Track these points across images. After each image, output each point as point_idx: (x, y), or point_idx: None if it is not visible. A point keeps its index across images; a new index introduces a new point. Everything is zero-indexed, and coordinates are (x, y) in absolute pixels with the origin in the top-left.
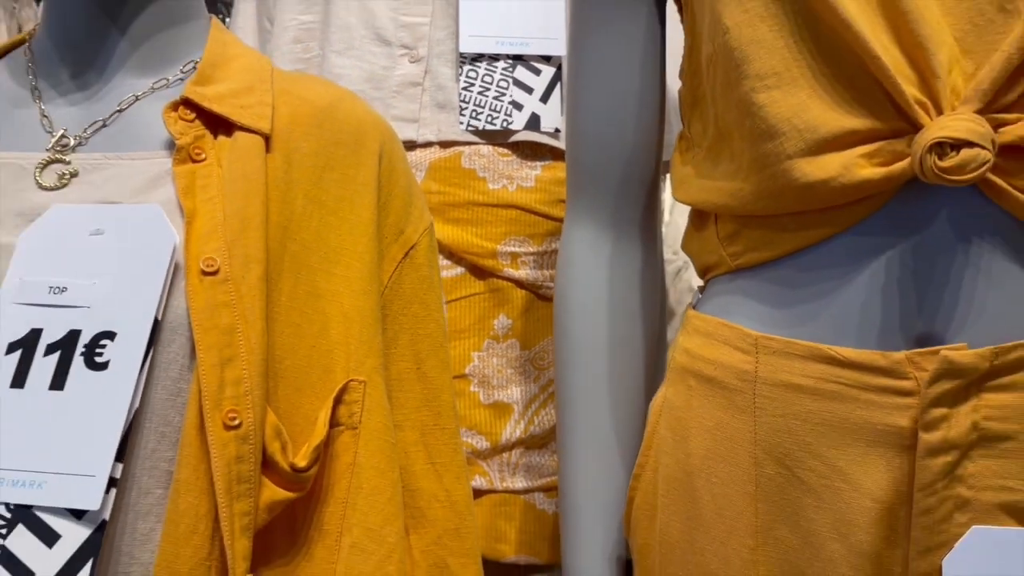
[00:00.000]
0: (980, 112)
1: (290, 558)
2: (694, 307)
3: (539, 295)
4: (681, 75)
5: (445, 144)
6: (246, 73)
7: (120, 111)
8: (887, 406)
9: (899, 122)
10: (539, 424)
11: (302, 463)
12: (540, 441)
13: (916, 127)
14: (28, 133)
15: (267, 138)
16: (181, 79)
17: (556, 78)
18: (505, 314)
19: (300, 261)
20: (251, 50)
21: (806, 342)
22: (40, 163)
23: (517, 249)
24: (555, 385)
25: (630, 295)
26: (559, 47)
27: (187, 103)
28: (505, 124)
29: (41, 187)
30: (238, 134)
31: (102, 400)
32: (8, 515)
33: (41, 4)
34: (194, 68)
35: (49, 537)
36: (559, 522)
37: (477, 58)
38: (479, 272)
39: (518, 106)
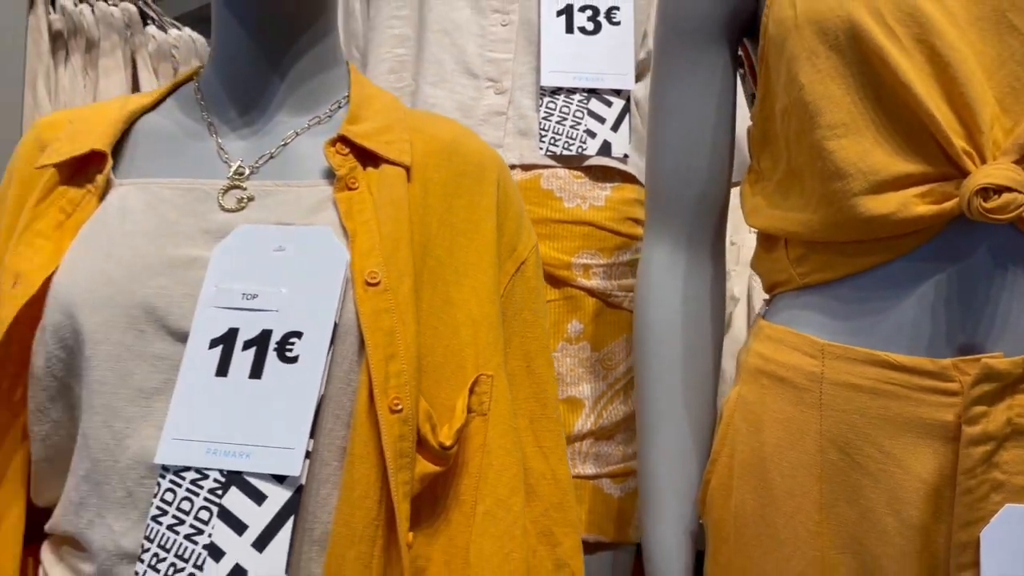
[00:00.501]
0: (1017, 162)
1: (433, 522)
2: (763, 317)
3: (608, 302)
4: (752, 118)
5: (526, 167)
6: (386, 113)
7: (284, 145)
8: (935, 404)
9: (948, 168)
10: (607, 417)
11: (447, 442)
12: (608, 432)
13: (963, 173)
14: (207, 163)
15: (408, 169)
16: (330, 116)
17: (625, 109)
18: (578, 319)
19: (436, 275)
20: (383, 91)
21: (866, 349)
22: (222, 189)
23: (589, 261)
24: (636, 384)
25: (701, 307)
26: (628, 82)
27: (343, 140)
28: (580, 150)
29: (223, 209)
30: (384, 166)
31: (294, 387)
32: (223, 479)
33: (211, 48)
34: (339, 107)
35: (258, 497)
36: (639, 502)
37: (556, 91)
38: (555, 281)
39: (592, 134)
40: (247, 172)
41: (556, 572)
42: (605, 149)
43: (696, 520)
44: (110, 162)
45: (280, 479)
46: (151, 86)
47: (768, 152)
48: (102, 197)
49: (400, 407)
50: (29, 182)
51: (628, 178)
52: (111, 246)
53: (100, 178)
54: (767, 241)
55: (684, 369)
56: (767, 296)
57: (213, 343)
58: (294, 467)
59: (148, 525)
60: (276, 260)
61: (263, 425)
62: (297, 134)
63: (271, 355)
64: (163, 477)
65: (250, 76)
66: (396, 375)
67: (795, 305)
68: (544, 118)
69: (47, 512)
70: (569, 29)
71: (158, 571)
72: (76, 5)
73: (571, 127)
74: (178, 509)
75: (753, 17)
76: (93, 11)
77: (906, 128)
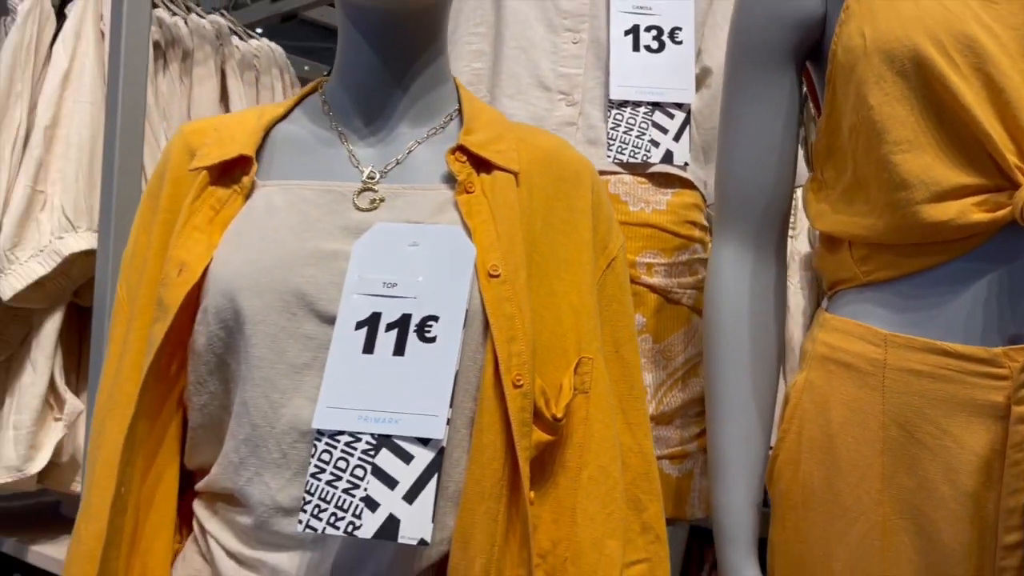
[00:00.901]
0: None
1: (542, 486)
2: (827, 311)
3: (668, 299)
4: (817, 133)
5: None
6: (494, 125)
7: (409, 153)
8: (987, 387)
9: (1002, 180)
10: (667, 404)
11: (559, 414)
12: (667, 418)
13: (1015, 185)
14: (341, 168)
15: (516, 176)
16: (443, 128)
17: (686, 121)
18: (640, 314)
19: (541, 269)
20: (487, 105)
21: (925, 339)
22: (356, 191)
23: (651, 260)
24: (706, 371)
25: (766, 302)
26: (689, 96)
27: (461, 149)
28: (645, 158)
29: (357, 208)
30: (496, 172)
31: (433, 364)
32: (374, 442)
33: (336, 63)
34: (450, 119)
35: (406, 457)
36: (710, 476)
37: (623, 103)
38: None
39: (655, 144)
40: (377, 176)
41: (643, 535)
42: (668, 157)
43: (761, 491)
44: (255, 166)
45: (424, 442)
46: (239, 93)
47: (832, 163)
48: (247, 196)
49: (521, 383)
50: (181, 182)
51: (687, 184)
52: (262, 240)
53: (246, 180)
54: (831, 243)
55: (751, 358)
56: (828, 292)
57: (359, 325)
58: (438, 431)
59: (308, 481)
60: (411, 254)
61: (408, 395)
62: (418, 143)
63: (411, 336)
64: (319, 440)
65: (374, 91)
66: (517, 355)
67: (858, 300)
68: (612, 128)
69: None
70: (636, 47)
71: (320, 520)
72: (172, 17)
73: (637, 137)
74: (335, 467)
75: (817, 44)
76: (187, 23)
77: (964, 145)
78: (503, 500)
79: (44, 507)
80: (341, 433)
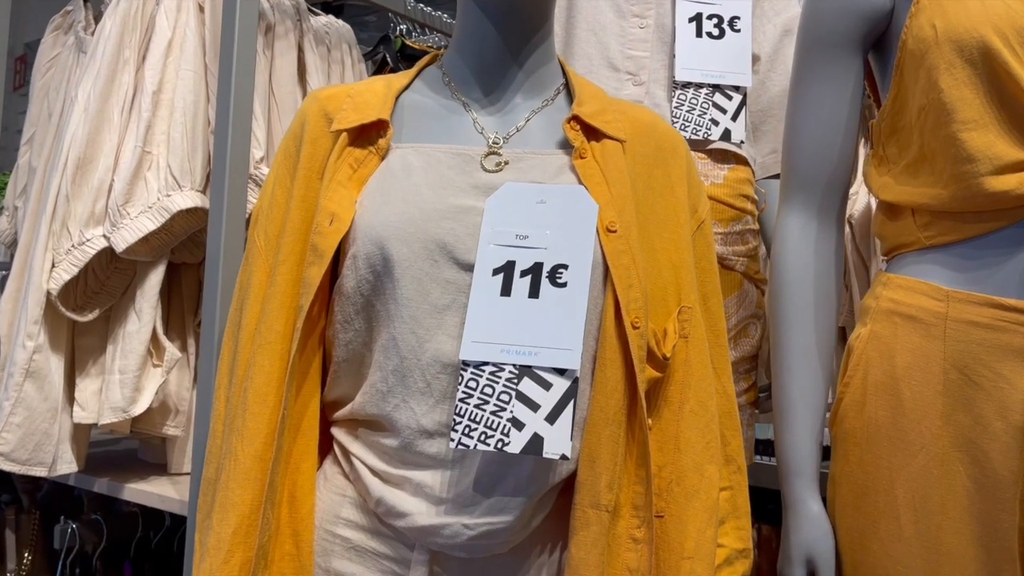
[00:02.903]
0: None
1: (648, 416)
2: (887, 272)
3: (723, 265)
4: (880, 114)
5: None
6: (598, 98)
7: (527, 121)
8: None
9: None
10: None
11: (668, 354)
12: None
13: None
14: (467, 133)
15: (623, 144)
16: (552, 100)
17: (743, 103)
18: None
19: (643, 227)
20: (588, 80)
21: (983, 294)
22: (482, 154)
23: None
24: (773, 323)
25: (828, 264)
26: (747, 80)
27: (575, 119)
28: (706, 135)
29: (485, 170)
30: (605, 141)
31: (565, 305)
32: (516, 371)
33: (456, 38)
34: (558, 92)
35: (545, 385)
36: (775, 418)
37: (686, 85)
38: None
39: (715, 123)
40: (501, 142)
41: (727, 465)
42: (726, 135)
43: (823, 430)
44: (391, 129)
45: (561, 372)
46: (315, 67)
47: (896, 140)
48: (383, 157)
49: (639, 325)
50: (319, 142)
51: (742, 160)
52: (406, 194)
53: (383, 142)
54: (893, 211)
55: (815, 313)
56: (887, 256)
57: (495, 271)
58: (574, 362)
59: (456, 405)
60: (539, 210)
61: (545, 332)
62: (535, 112)
63: (544, 281)
64: (465, 370)
65: (494, 65)
66: (634, 300)
67: (921, 261)
68: (676, 107)
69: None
70: (699, 34)
71: (471, 438)
72: None
73: (698, 116)
74: (482, 393)
75: (882, 36)
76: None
77: (1022, 124)
78: (623, 426)
79: (123, 453)
80: (485, 364)
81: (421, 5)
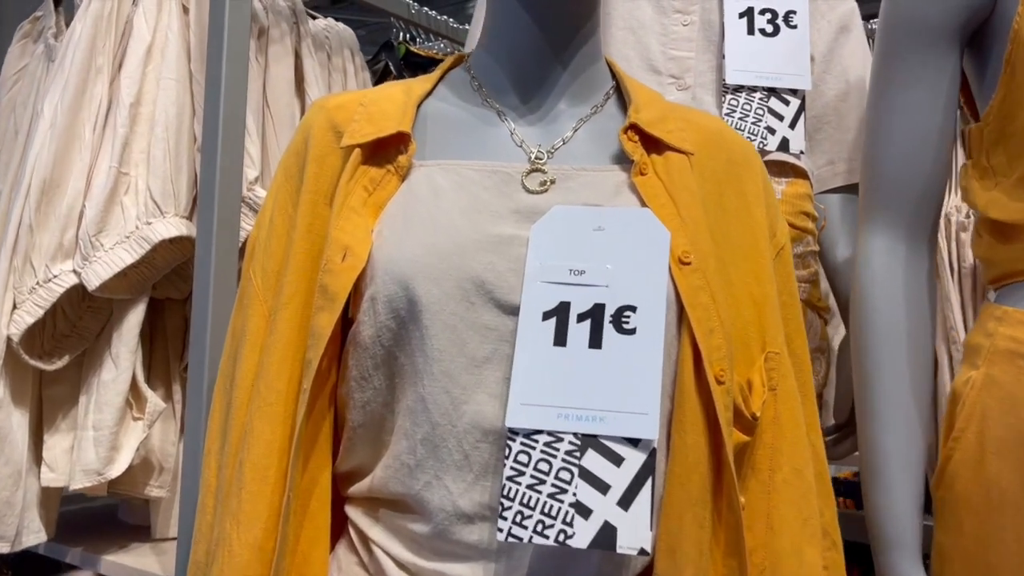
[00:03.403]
0: None
1: None
2: (999, 303)
3: None
4: (984, 117)
5: None
6: (657, 103)
7: (575, 131)
8: None
9: None
10: None
11: (758, 411)
12: None
13: None
14: (504, 147)
15: (690, 157)
16: (601, 106)
17: (801, 108)
18: None
19: (718, 257)
20: (639, 82)
21: None
22: (524, 171)
23: None
24: (858, 365)
25: (921, 296)
26: (805, 82)
27: (634, 128)
28: (761, 145)
29: (527, 190)
30: (669, 153)
31: (636, 357)
32: (578, 442)
33: (486, 37)
34: (607, 97)
35: (615, 459)
36: (865, 477)
37: (738, 88)
38: None
39: (771, 131)
40: (545, 157)
41: (823, 539)
42: (784, 145)
43: (923, 492)
44: (413, 144)
45: (634, 442)
46: (314, 74)
47: (1004, 149)
48: (404, 177)
49: (724, 379)
50: (326, 160)
51: (800, 174)
52: (434, 223)
53: (403, 159)
54: (1005, 232)
55: (909, 353)
56: (996, 284)
57: (546, 315)
58: (651, 430)
59: (505, 485)
60: (597, 239)
61: (612, 392)
62: (583, 121)
63: (608, 327)
64: (513, 439)
65: (533, 66)
66: (717, 348)
67: None
68: (727, 114)
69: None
70: (750, 31)
71: (524, 528)
72: None
73: (753, 123)
74: (536, 470)
75: (983, 24)
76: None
77: None
78: (708, 506)
79: (100, 512)
80: (539, 432)
81: (425, 9)
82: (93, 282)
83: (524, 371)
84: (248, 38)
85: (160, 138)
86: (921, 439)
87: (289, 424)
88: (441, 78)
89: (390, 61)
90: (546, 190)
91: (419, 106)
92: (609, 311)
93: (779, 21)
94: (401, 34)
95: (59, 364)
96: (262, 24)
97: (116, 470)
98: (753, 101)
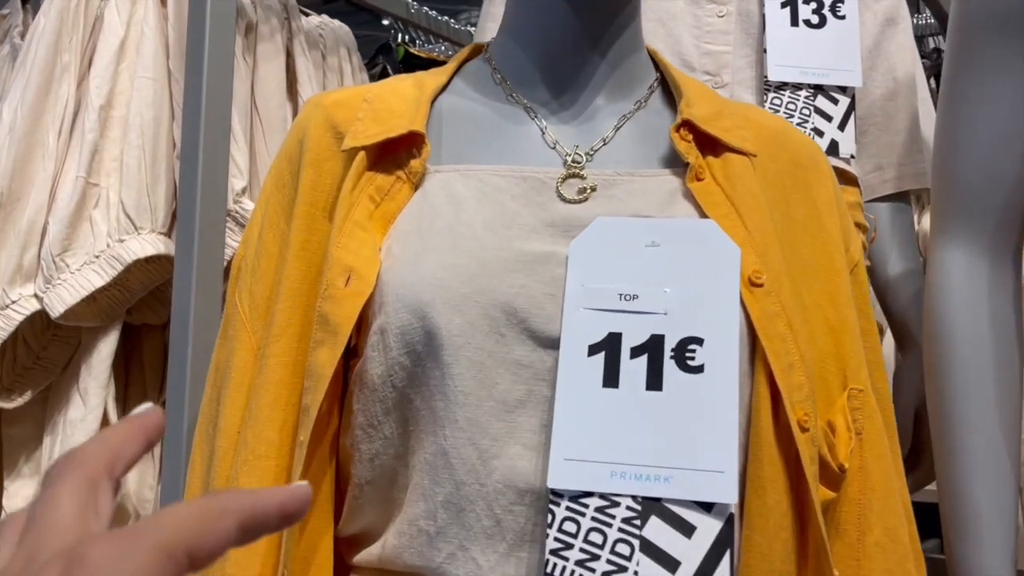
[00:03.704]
0: None
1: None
2: None
3: None
4: None
5: None
6: (709, 97)
7: (617, 130)
8: None
9: None
10: None
11: (846, 462)
12: None
13: None
14: (533, 149)
15: (752, 159)
16: (645, 101)
17: (851, 107)
18: None
19: (788, 275)
20: (685, 74)
21: None
22: (559, 177)
23: None
24: (935, 395)
25: (1007, 318)
26: (856, 79)
27: (687, 125)
28: None
29: (564, 199)
30: (728, 155)
31: (705, 401)
32: (639, 508)
33: (510, 25)
34: (651, 91)
35: (685, 528)
36: (949, 525)
37: (781, 86)
38: None
39: (819, 132)
40: (583, 160)
41: None
42: (833, 149)
43: (1016, 543)
44: (428, 146)
45: (707, 507)
46: (307, 75)
47: None
48: (417, 185)
49: (808, 424)
50: (324, 165)
51: (851, 180)
52: (454, 239)
53: (417, 163)
54: None
55: (997, 384)
56: None
57: (592, 350)
58: (727, 492)
59: (548, 560)
60: (651, 256)
61: (679, 444)
62: (625, 118)
63: (669, 364)
64: (556, 504)
65: (567, 55)
66: (798, 388)
67: None
68: None
69: None
70: (794, 22)
71: None
72: None
73: (798, 124)
74: (586, 542)
75: None
76: None
77: None
78: None
79: None
80: (589, 495)
81: (425, 8)
82: (58, 308)
83: (567, 418)
84: (233, 31)
85: (134, 144)
86: (1014, 485)
87: (282, 480)
88: (457, 70)
89: (388, 64)
90: (585, 199)
91: (433, 102)
92: (670, 344)
93: (825, 11)
94: (400, 35)
95: (20, 401)
96: (250, 19)
97: None
98: (798, 100)
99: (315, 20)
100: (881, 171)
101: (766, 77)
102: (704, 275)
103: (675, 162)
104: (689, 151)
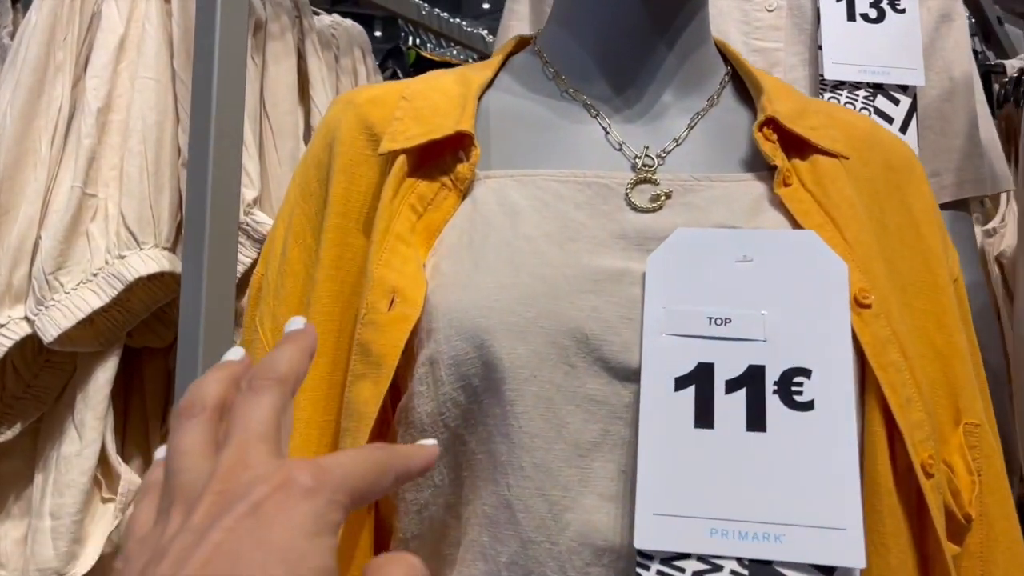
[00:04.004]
0: None
1: None
2: None
3: None
4: None
5: None
6: (790, 94)
7: (690, 129)
8: None
9: None
10: None
11: (972, 510)
12: None
13: None
14: (597, 151)
15: (843, 162)
16: (717, 98)
17: (913, 108)
18: None
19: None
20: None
21: None
22: (628, 183)
23: None
24: None
25: None
26: (918, 77)
27: (771, 123)
28: None
29: (635, 208)
30: (816, 157)
31: (818, 443)
32: (745, 573)
33: (561, 14)
34: (723, 86)
35: None
36: None
37: (837, 85)
38: None
39: None
40: (655, 162)
41: None
42: None
43: None
44: (477, 149)
45: (827, 571)
46: (320, 77)
47: None
48: (465, 193)
49: (932, 469)
50: (357, 170)
51: None
52: (511, 253)
53: (464, 168)
54: None
55: None
56: None
57: (680, 383)
58: (854, 555)
59: None
60: (742, 273)
61: (791, 496)
62: (699, 116)
63: (772, 400)
64: (646, 568)
65: (631, 46)
66: (918, 426)
67: None
68: None
69: None
70: (851, 16)
71: None
72: None
73: None
74: None
75: None
76: None
77: None
78: None
79: None
80: (684, 557)
81: (437, 10)
82: (51, 332)
83: (653, 464)
84: (247, 26)
85: (135, 151)
86: None
87: None
88: (503, 65)
89: (398, 68)
90: (659, 207)
91: (480, 99)
92: (772, 376)
93: (884, 4)
94: (411, 39)
95: (9, 434)
96: (259, 17)
97: (81, 568)
98: (857, 100)
99: (327, 20)
100: (939, 177)
101: (821, 76)
102: (807, 295)
103: (756, 165)
104: (775, 153)
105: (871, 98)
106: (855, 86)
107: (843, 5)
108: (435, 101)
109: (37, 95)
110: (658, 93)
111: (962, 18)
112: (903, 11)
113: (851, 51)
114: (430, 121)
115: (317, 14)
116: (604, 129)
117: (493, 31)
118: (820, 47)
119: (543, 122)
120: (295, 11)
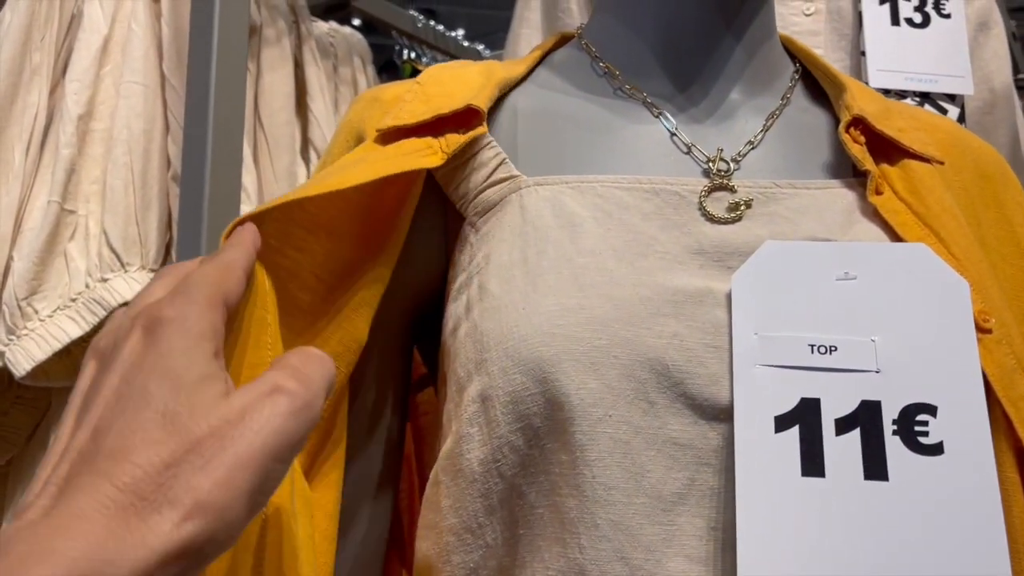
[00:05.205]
0: None
1: None
2: None
3: None
4: None
5: None
6: (870, 92)
7: (765, 130)
8: None
9: None
10: None
11: None
12: None
13: None
14: (664, 154)
15: (938, 167)
16: (790, 96)
17: (961, 118)
18: None
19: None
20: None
21: None
22: (701, 190)
23: None
24: None
25: None
26: (967, 86)
27: (859, 123)
28: None
29: (710, 218)
30: (906, 162)
31: (954, 493)
32: None
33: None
34: (793, 83)
35: None
36: None
37: (883, 93)
38: None
39: None
40: (729, 167)
41: None
42: None
43: None
44: (484, 128)
45: None
46: (319, 85)
47: None
48: (448, 155)
49: None
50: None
51: None
52: (575, 272)
53: (455, 136)
54: None
55: None
56: None
57: (780, 423)
58: None
59: None
60: (846, 293)
61: (923, 556)
62: (774, 117)
63: (893, 442)
64: None
65: (695, 38)
66: None
67: None
68: None
69: None
70: (895, 21)
71: None
72: None
73: None
74: None
75: None
76: None
77: None
78: None
79: None
80: None
81: (432, 23)
82: (23, 366)
83: (754, 520)
84: (247, 25)
85: (120, 163)
86: None
87: None
88: (540, 61)
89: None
90: (739, 217)
91: (505, 96)
92: (890, 414)
93: (928, 8)
94: (405, 52)
95: None
96: (253, 21)
97: None
98: None
99: (325, 27)
100: None
101: (866, 82)
102: (924, 318)
103: (841, 171)
104: (864, 156)
105: (919, 107)
106: (901, 94)
107: (886, 9)
108: (449, 86)
109: (11, 101)
110: (725, 90)
111: (1000, 27)
112: (948, 16)
113: (896, 58)
114: (438, 100)
115: (314, 21)
116: (670, 131)
117: (491, 45)
118: (863, 53)
119: (596, 122)
120: (292, 16)
